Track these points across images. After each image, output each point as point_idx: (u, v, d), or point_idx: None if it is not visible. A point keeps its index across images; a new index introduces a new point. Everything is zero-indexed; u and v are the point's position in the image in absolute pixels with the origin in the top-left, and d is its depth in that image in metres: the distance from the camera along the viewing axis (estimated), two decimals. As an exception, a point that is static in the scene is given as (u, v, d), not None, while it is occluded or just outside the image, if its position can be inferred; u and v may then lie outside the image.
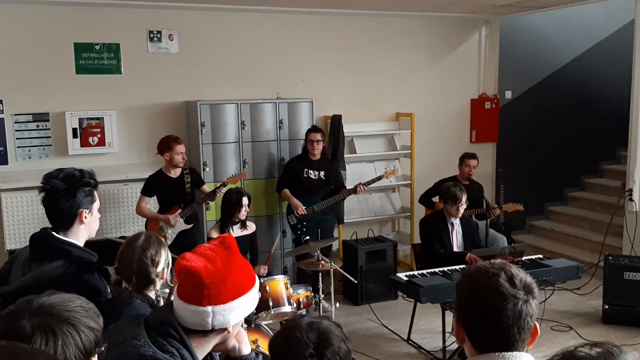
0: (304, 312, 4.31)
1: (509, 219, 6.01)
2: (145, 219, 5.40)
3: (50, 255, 2.27)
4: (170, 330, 1.70)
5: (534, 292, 1.55)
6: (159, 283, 2.25)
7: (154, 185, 5.28)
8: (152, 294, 2.24)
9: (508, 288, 1.51)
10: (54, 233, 2.33)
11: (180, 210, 5.24)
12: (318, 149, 5.67)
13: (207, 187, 5.43)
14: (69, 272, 2.23)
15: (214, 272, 1.70)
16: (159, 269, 2.24)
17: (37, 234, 2.36)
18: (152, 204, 5.39)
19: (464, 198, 5.04)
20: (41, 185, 2.32)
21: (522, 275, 1.56)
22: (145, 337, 1.67)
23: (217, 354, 1.97)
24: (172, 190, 5.26)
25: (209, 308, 1.70)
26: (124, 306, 2.17)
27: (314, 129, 5.76)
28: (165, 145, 5.19)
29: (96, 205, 2.41)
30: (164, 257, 2.29)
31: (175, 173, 5.27)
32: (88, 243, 2.43)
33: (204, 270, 1.69)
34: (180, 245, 4.94)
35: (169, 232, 5.20)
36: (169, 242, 5.06)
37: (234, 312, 1.75)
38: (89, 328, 1.28)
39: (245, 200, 4.93)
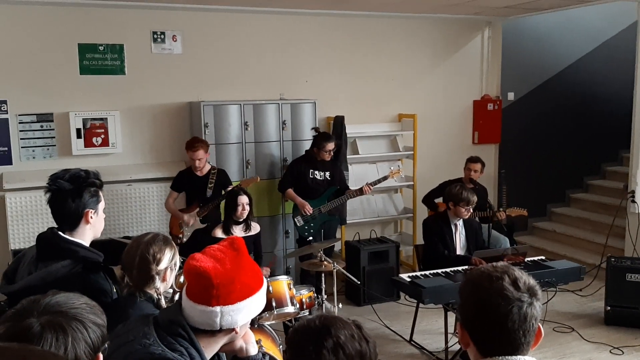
0: (306, 312, 4.32)
1: (511, 220, 6.01)
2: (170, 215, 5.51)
3: (57, 255, 2.27)
4: (179, 330, 1.71)
5: (537, 295, 1.55)
6: (158, 281, 2.26)
7: (180, 181, 5.41)
8: (152, 292, 2.25)
9: (512, 292, 1.51)
10: (60, 233, 2.34)
11: (197, 209, 5.27)
12: (330, 156, 5.71)
13: None
14: (75, 272, 2.24)
15: (223, 272, 1.72)
16: (161, 266, 2.25)
17: (43, 234, 2.37)
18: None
19: (475, 199, 5.05)
20: (47, 185, 2.33)
21: (525, 278, 1.55)
22: (155, 336, 1.68)
23: (224, 354, 1.98)
24: (193, 188, 5.34)
25: (218, 308, 1.71)
26: (130, 306, 2.18)
27: (329, 138, 5.69)
28: (186, 147, 5.31)
29: (102, 205, 2.42)
30: (168, 257, 2.29)
31: (201, 172, 5.33)
32: (92, 243, 2.44)
33: (213, 270, 1.70)
34: (197, 244, 4.89)
35: (186, 229, 5.24)
36: (185, 240, 5.11)
37: (242, 313, 1.76)
38: (95, 324, 1.29)
39: (242, 199, 4.80)
